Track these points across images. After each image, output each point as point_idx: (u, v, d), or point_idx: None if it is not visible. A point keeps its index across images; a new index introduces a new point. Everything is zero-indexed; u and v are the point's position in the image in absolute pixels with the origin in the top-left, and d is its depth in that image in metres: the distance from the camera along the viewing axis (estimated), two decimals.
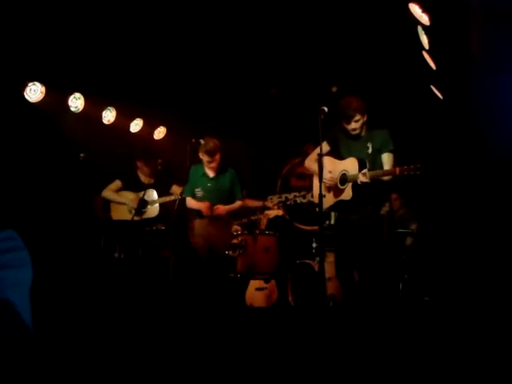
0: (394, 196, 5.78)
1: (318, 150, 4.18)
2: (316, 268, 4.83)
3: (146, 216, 5.54)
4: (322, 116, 3.85)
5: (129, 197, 5.68)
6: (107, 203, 5.78)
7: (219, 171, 5.19)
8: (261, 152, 6.43)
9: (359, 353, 3.46)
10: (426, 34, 4.11)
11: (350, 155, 4.17)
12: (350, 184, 4.06)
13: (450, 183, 5.15)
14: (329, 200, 4.27)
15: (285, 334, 3.82)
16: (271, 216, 5.48)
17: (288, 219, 5.47)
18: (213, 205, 5.06)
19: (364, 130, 4.21)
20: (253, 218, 5.45)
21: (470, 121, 4.27)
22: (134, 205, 5.57)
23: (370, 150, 4.13)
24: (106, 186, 5.74)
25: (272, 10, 4.88)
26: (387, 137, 4.13)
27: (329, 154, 4.33)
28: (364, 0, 4.36)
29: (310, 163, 4.48)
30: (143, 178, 5.79)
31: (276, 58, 5.52)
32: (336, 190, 4.23)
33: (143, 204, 5.53)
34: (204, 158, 5.02)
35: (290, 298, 4.43)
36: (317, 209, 4.04)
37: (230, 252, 4.75)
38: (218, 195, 5.12)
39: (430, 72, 4.47)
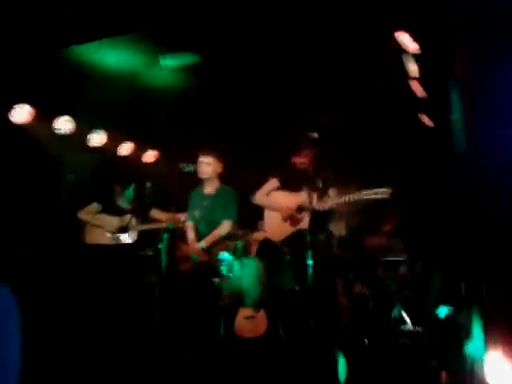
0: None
1: (267, 186, 4.80)
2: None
3: (123, 241, 5.49)
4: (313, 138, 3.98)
5: (106, 220, 5.63)
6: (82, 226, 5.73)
7: (217, 189, 5.05)
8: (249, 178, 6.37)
9: None
10: (415, 61, 4.13)
11: (301, 188, 4.52)
12: (307, 213, 4.38)
13: (436, 210, 5.18)
14: (286, 230, 4.61)
15: (276, 367, 3.75)
16: (260, 239, 5.38)
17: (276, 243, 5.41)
18: (208, 226, 4.95)
19: (312, 165, 4.57)
20: (241, 243, 5.35)
21: (458, 148, 4.25)
22: (112, 229, 5.55)
23: (319, 185, 4.46)
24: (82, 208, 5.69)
25: (256, 43, 4.86)
26: (332, 175, 4.53)
27: (279, 189, 4.74)
28: (347, 29, 4.36)
29: (262, 198, 4.83)
30: (121, 202, 5.75)
31: (265, 84, 5.50)
32: (293, 219, 4.53)
33: (122, 229, 5.51)
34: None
35: (280, 331, 4.36)
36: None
37: (218, 279, 4.67)
38: (214, 215, 4.97)
39: (417, 100, 4.49)
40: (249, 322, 4.27)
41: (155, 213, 5.75)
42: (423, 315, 4.71)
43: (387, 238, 5.70)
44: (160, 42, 5.16)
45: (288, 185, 4.65)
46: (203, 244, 4.88)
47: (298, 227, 4.50)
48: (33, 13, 4.68)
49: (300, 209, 4.46)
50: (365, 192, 3.99)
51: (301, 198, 4.46)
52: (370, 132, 5.26)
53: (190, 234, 5.02)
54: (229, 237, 4.94)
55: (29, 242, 5.49)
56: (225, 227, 4.94)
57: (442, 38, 3.88)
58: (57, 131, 6.15)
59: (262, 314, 4.28)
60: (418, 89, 4.25)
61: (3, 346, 1.16)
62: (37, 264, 5.32)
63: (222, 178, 5.09)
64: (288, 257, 4.64)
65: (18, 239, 5.38)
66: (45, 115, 6.06)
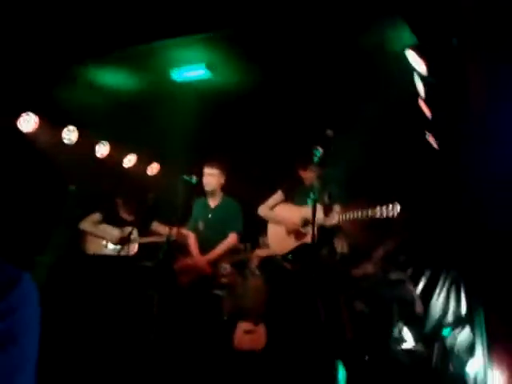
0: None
1: (272, 199, 4.81)
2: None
3: (123, 253, 5.46)
4: (318, 156, 3.94)
5: (107, 231, 5.62)
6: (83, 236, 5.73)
7: (222, 201, 5.04)
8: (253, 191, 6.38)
9: None
10: (422, 82, 4.16)
11: (307, 202, 4.50)
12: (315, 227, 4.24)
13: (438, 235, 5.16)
14: (290, 244, 4.58)
15: (276, 380, 3.69)
16: (263, 255, 5.36)
17: (279, 259, 5.38)
18: (212, 239, 4.91)
19: (318, 181, 4.41)
20: (243, 257, 5.31)
21: (463, 173, 4.25)
22: (113, 240, 5.53)
23: (326, 200, 4.46)
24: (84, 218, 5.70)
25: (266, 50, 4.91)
26: (339, 191, 4.53)
27: (284, 202, 4.75)
28: (358, 46, 4.41)
29: (266, 211, 4.84)
30: (124, 214, 5.75)
31: (273, 99, 5.54)
32: (297, 233, 4.52)
33: (123, 241, 5.49)
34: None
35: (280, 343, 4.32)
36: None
37: (219, 292, 4.63)
38: (219, 228, 4.94)
39: (425, 120, 4.51)
40: (248, 336, 4.22)
41: (156, 226, 5.74)
42: (424, 334, 4.66)
43: (388, 258, 5.69)
44: (169, 56, 5.22)
45: (293, 198, 4.64)
46: (210, 257, 4.85)
47: (301, 241, 4.46)
48: (49, 27, 4.76)
49: (305, 223, 4.42)
50: (377, 209, 3.94)
51: (305, 212, 4.43)
52: (376, 149, 5.28)
53: (194, 246, 4.97)
54: (233, 250, 4.92)
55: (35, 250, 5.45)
56: (231, 239, 4.94)
57: (454, 60, 3.92)
58: (63, 141, 6.18)
59: (261, 327, 4.23)
60: (425, 109, 4.27)
61: (24, 345, 1.05)
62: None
63: (228, 190, 5.09)
64: (289, 272, 4.65)
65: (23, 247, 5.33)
66: (51, 125, 6.09)
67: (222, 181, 5.01)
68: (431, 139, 4.54)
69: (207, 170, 4.94)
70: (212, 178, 4.92)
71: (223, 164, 5.01)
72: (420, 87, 4.16)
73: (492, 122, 3.66)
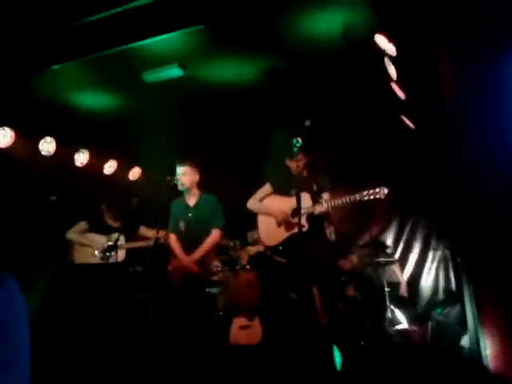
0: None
1: (260, 191, 4.76)
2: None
3: (111, 260, 5.43)
4: (297, 146, 3.96)
5: (94, 239, 5.60)
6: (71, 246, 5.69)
7: (199, 199, 5.01)
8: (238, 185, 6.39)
9: None
10: (393, 64, 4.20)
11: (296, 192, 4.30)
12: (304, 216, 4.23)
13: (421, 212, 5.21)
14: (280, 235, 4.54)
15: (274, 373, 3.73)
16: (252, 252, 5.36)
17: (269, 254, 5.40)
18: (196, 237, 4.88)
19: (306, 170, 4.53)
20: (233, 254, 5.33)
21: (442, 150, 4.31)
22: (101, 248, 5.51)
23: (314, 188, 4.44)
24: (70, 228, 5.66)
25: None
26: (327, 179, 4.54)
27: (272, 194, 4.72)
28: (331, 33, 4.42)
29: (255, 204, 4.79)
30: (109, 221, 5.72)
31: (250, 92, 5.53)
32: (288, 224, 4.49)
33: (111, 248, 5.46)
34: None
35: (276, 335, 4.36)
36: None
37: (212, 289, 4.63)
38: (200, 226, 4.91)
39: (399, 102, 4.55)
40: (244, 332, 4.23)
41: (144, 230, 5.73)
42: (417, 314, 4.75)
43: (374, 243, 5.74)
44: (141, 59, 5.18)
45: (281, 189, 4.60)
46: (196, 256, 4.83)
47: (292, 231, 4.44)
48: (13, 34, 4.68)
49: (295, 213, 4.39)
50: (365, 193, 3.95)
51: (295, 201, 4.40)
52: (355, 135, 5.31)
53: (177, 248, 4.96)
54: (221, 248, 4.90)
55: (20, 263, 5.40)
56: (215, 235, 4.92)
57: (423, 40, 3.96)
58: (41, 153, 6.13)
59: (256, 322, 4.25)
60: (398, 91, 4.31)
61: (12, 344, 1.04)
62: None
63: (214, 188, 5.08)
64: (280, 264, 4.67)
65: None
66: (28, 137, 6.03)
67: (196, 178, 4.98)
68: (406, 120, 4.58)
69: (179, 170, 4.93)
70: (184, 176, 4.90)
71: (194, 161, 4.98)
72: (392, 70, 4.19)
73: (463, 120, 3.71)
